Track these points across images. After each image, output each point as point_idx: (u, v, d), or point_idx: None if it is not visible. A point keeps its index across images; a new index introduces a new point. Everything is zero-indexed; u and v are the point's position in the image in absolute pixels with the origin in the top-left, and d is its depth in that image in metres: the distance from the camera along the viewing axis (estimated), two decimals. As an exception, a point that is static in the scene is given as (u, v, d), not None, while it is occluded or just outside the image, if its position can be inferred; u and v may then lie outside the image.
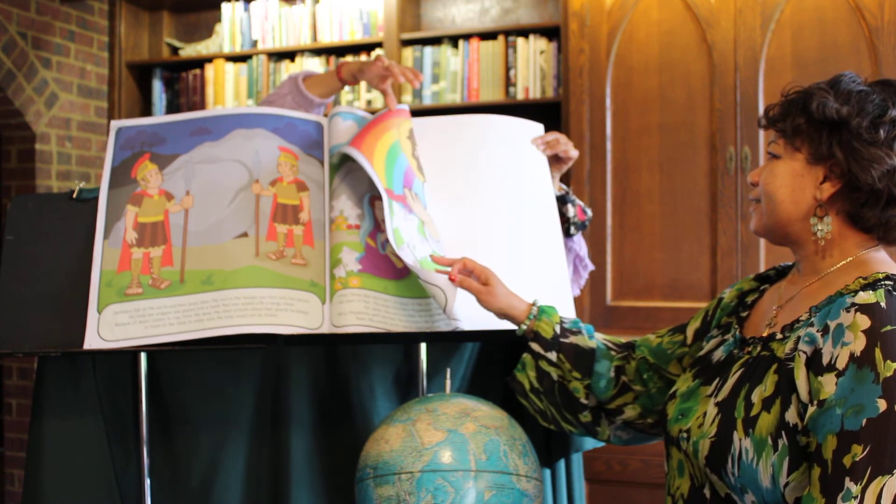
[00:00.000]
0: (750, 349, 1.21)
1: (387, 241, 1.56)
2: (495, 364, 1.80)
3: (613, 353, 1.49)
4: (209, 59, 4.04)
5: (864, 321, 1.04)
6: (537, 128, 1.82)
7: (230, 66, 4.00)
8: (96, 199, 1.61)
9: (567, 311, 1.66)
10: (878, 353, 1.02)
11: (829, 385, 1.04)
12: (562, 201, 1.82)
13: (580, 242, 1.91)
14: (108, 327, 1.50)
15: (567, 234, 1.84)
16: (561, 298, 1.67)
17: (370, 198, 1.64)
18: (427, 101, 3.69)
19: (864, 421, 1.01)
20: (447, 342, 1.72)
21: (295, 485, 1.64)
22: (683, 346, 1.42)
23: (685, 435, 1.20)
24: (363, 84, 3.76)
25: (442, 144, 1.74)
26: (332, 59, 3.84)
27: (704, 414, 1.18)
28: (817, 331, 1.09)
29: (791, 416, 1.07)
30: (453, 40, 3.68)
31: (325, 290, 1.56)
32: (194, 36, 4.29)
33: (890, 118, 1.14)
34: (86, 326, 1.50)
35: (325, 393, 1.71)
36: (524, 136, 1.78)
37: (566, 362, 1.47)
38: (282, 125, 1.70)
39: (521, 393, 1.52)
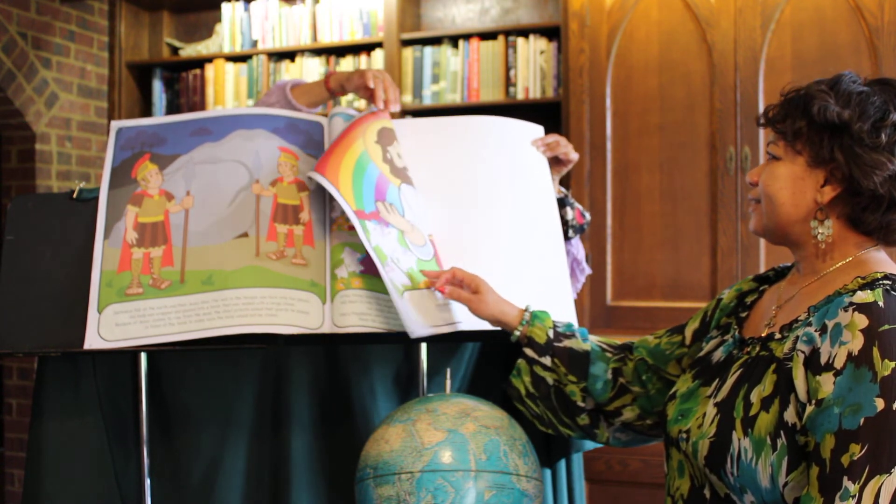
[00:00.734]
0: (749, 349, 1.21)
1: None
2: (495, 364, 1.80)
3: (609, 354, 1.49)
4: (209, 59, 4.04)
5: (862, 320, 1.04)
6: (537, 129, 1.82)
7: (230, 66, 4.00)
8: (96, 199, 1.61)
9: (568, 314, 1.66)
10: (875, 352, 1.02)
11: (827, 384, 1.04)
12: (560, 204, 1.82)
13: (578, 246, 1.90)
14: (109, 327, 1.50)
15: (565, 237, 1.83)
16: (562, 301, 1.67)
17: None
18: (427, 101, 3.69)
19: (861, 420, 1.01)
20: (447, 342, 1.72)
21: (295, 485, 1.64)
22: (682, 347, 1.42)
23: (685, 435, 1.20)
24: (363, 84, 3.76)
25: (442, 146, 1.74)
26: (332, 59, 3.84)
27: (704, 414, 1.18)
28: (815, 330, 1.09)
29: (790, 415, 1.07)
30: (453, 40, 3.68)
31: (325, 290, 1.56)
32: (194, 36, 4.29)
33: (891, 122, 1.13)
34: (86, 326, 1.50)
35: (326, 393, 1.71)
36: (524, 137, 1.78)
37: (561, 366, 1.47)
38: (282, 125, 1.70)
39: (518, 398, 1.52)
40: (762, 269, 2.85)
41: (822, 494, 1.02)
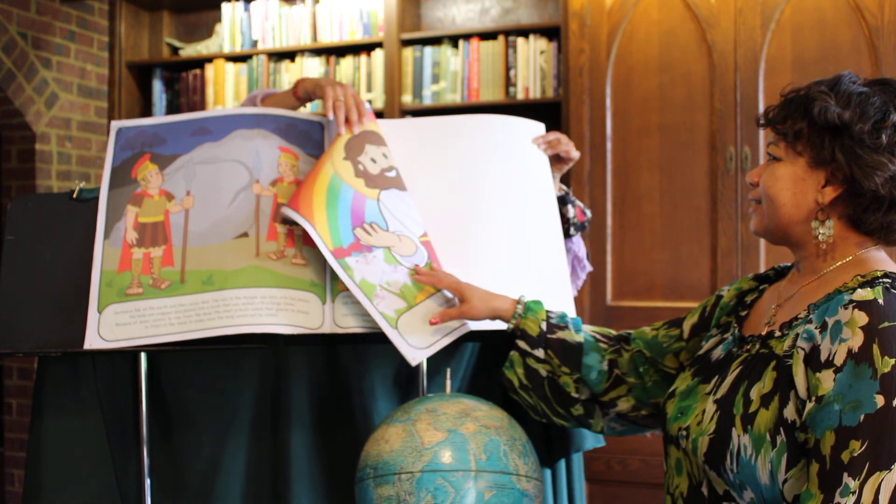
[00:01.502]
0: (749, 347, 1.21)
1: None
2: (495, 364, 1.80)
3: (604, 345, 1.49)
4: (209, 59, 4.04)
5: (862, 318, 1.05)
6: (538, 127, 1.82)
7: (230, 66, 4.00)
8: (96, 199, 1.61)
9: (568, 312, 1.66)
10: (875, 349, 1.03)
11: (827, 381, 1.05)
12: (561, 202, 1.82)
13: (579, 243, 1.91)
14: (109, 327, 1.50)
15: (566, 234, 1.84)
16: (562, 298, 1.67)
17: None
18: (427, 101, 3.69)
19: (861, 417, 1.01)
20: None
21: (295, 485, 1.64)
22: (680, 341, 1.43)
23: (684, 433, 1.20)
24: (363, 84, 3.76)
25: (443, 144, 1.74)
26: (332, 59, 3.84)
27: (703, 411, 1.19)
28: (815, 328, 1.09)
29: (789, 412, 1.08)
30: (453, 40, 3.68)
31: (325, 290, 1.56)
32: (194, 36, 4.29)
33: (892, 123, 1.13)
34: (86, 326, 1.50)
35: (326, 393, 1.71)
36: (525, 135, 1.78)
37: (555, 358, 1.47)
38: (282, 125, 1.70)
39: (511, 389, 1.53)
40: (762, 269, 2.85)
41: (821, 491, 1.02)
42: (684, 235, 3.01)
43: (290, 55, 3.93)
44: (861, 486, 1.00)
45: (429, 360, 1.69)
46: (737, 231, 2.92)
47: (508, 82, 3.58)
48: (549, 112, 3.45)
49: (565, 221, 1.82)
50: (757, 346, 1.19)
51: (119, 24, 4.07)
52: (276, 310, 1.50)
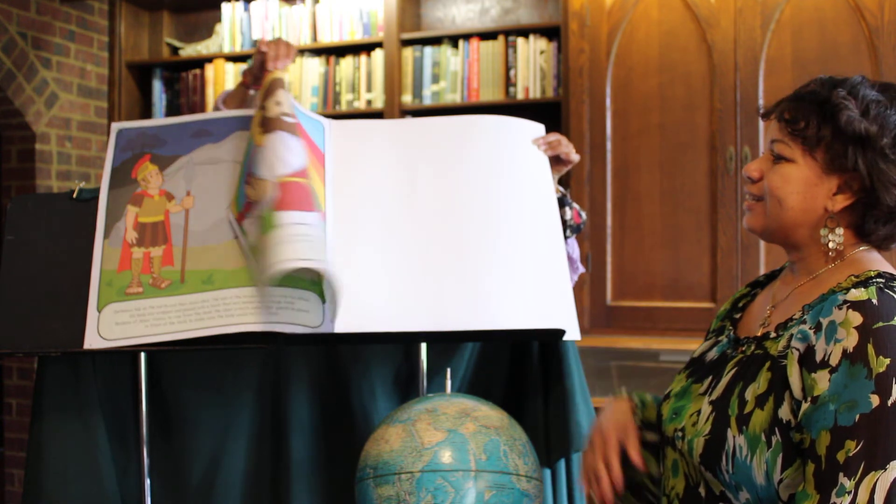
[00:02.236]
0: (744, 348, 1.21)
1: None
2: (495, 364, 1.80)
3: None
4: (209, 59, 4.04)
5: (857, 318, 1.05)
6: (538, 128, 1.81)
7: (230, 66, 4.00)
8: (96, 199, 1.61)
9: (568, 313, 1.66)
10: (870, 349, 1.03)
11: (822, 381, 1.05)
12: (559, 204, 1.82)
13: (573, 245, 1.91)
14: (109, 326, 1.50)
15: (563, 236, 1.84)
16: (562, 300, 1.67)
17: None
18: (427, 101, 3.68)
19: (857, 416, 1.01)
20: (447, 342, 1.72)
21: (295, 484, 1.64)
22: None
23: (680, 434, 1.20)
24: (363, 84, 3.76)
25: (443, 145, 1.73)
26: (332, 59, 3.84)
27: (698, 412, 1.19)
28: (810, 328, 1.09)
29: (784, 412, 1.08)
30: (453, 40, 3.68)
31: (324, 288, 1.56)
32: (194, 36, 4.29)
33: None
34: (86, 324, 1.50)
35: (326, 393, 1.71)
36: (526, 136, 1.78)
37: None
38: None
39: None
40: (762, 270, 2.85)
41: (817, 491, 1.03)
42: (684, 235, 3.01)
43: (290, 55, 3.92)
44: (857, 486, 1.00)
45: (429, 359, 1.69)
46: (737, 231, 2.92)
47: (508, 82, 3.58)
48: (549, 112, 3.45)
49: (562, 223, 1.82)
50: (752, 347, 1.19)
51: (119, 24, 4.07)
52: (276, 308, 1.50)
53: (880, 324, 1.04)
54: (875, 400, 1.01)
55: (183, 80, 4.12)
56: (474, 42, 3.62)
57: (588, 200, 3.09)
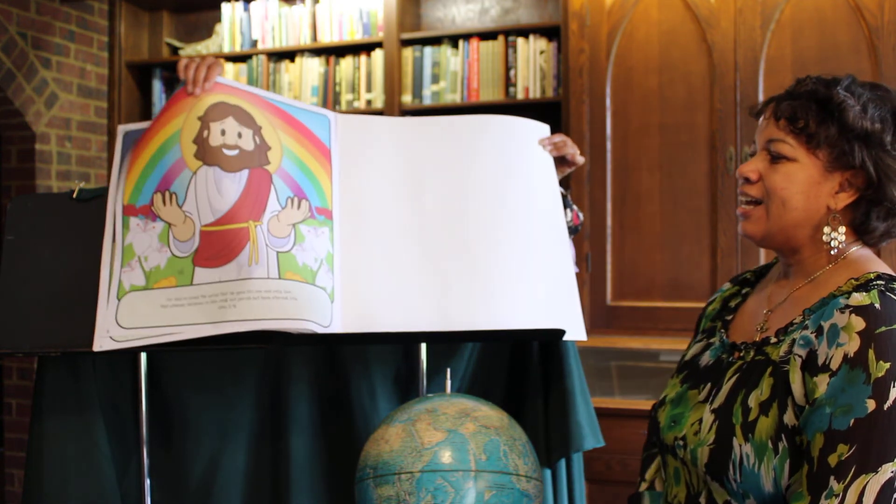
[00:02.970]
0: (742, 354, 1.20)
1: None
2: (495, 364, 1.80)
3: None
4: (209, 59, 4.04)
5: (859, 323, 1.04)
6: (544, 128, 1.81)
7: (230, 66, 4.00)
8: (96, 199, 1.61)
9: (575, 314, 1.66)
10: (871, 354, 1.02)
11: (822, 385, 1.04)
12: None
13: (570, 246, 1.91)
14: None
15: None
16: (568, 301, 1.66)
17: None
18: (427, 101, 3.69)
19: (851, 421, 1.01)
20: (447, 342, 1.72)
21: (295, 484, 1.64)
22: None
23: (681, 443, 1.19)
24: (363, 84, 3.77)
25: (448, 144, 1.73)
26: (332, 59, 3.84)
27: (700, 421, 1.17)
28: (812, 333, 1.09)
29: (789, 418, 1.07)
30: (453, 40, 3.68)
31: (333, 288, 1.56)
32: (194, 36, 4.29)
33: None
34: (85, 326, 1.50)
35: (326, 393, 1.71)
36: (532, 136, 1.77)
37: None
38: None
39: None
40: (762, 269, 2.85)
41: (809, 492, 1.03)
42: (684, 235, 3.01)
43: (289, 55, 3.92)
44: (846, 490, 1.00)
45: (429, 359, 1.69)
46: (737, 231, 2.92)
47: (508, 82, 3.58)
48: (548, 112, 3.45)
49: None
50: (752, 354, 1.17)
51: (119, 24, 4.07)
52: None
53: (883, 328, 1.04)
54: (871, 405, 1.01)
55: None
56: (474, 42, 3.62)
57: (588, 200, 3.09)
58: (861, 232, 1.17)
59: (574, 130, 3.11)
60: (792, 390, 1.08)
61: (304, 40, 3.89)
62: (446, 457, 1.27)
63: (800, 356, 1.08)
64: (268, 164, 1.58)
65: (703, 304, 1.45)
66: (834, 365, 1.04)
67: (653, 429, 1.29)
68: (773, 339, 1.16)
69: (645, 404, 2.78)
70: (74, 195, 1.62)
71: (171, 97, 1.63)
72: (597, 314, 3.09)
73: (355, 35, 3.81)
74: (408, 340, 1.67)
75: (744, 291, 1.33)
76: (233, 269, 1.50)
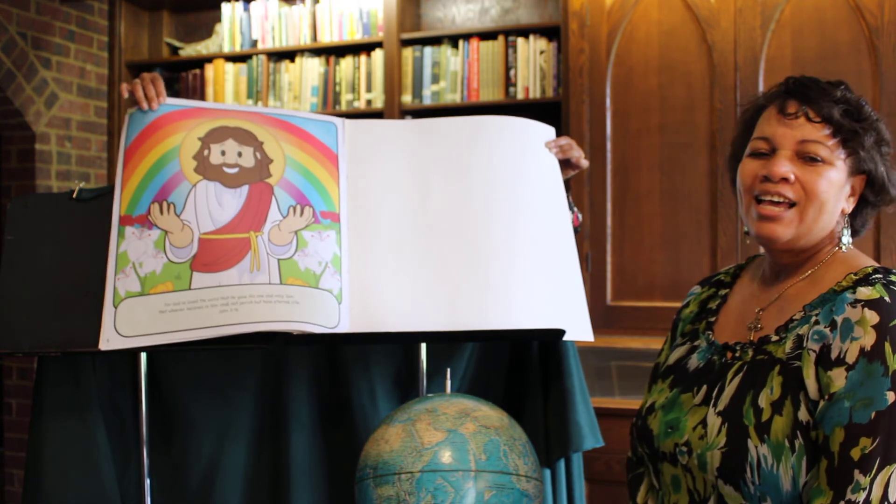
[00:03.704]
0: (738, 354, 1.19)
1: None
2: (495, 364, 1.80)
3: None
4: (209, 59, 4.04)
5: (873, 317, 1.06)
6: (550, 130, 1.81)
7: (230, 66, 4.00)
8: (96, 199, 1.61)
9: (582, 316, 1.66)
10: (887, 346, 1.04)
11: (839, 379, 1.05)
12: None
13: None
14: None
15: None
16: (575, 302, 1.66)
17: None
18: (427, 101, 3.68)
19: (872, 414, 1.02)
20: (447, 342, 1.72)
21: (295, 484, 1.64)
22: None
23: (684, 448, 1.17)
24: (363, 84, 3.76)
25: (457, 145, 1.73)
26: (332, 59, 3.84)
27: (703, 424, 1.16)
28: (825, 327, 1.09)
29: (803, 414, 1.08)
30: (453, 40, 3.67)
31: (341, 290, 1.56)
32: (194, 36, 4.29)
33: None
34: (85, 326, 1.50)
35: (326, 393, 1.71)
36: (538, 138, 1.77)
37: None
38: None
39: None
40: (762, 269, 2.85)
41: (830, 487, 1.03)
42: (684, 235, 3.01)
43: (289, 55, 3.92)
44: (871, 482, 1.01)
45: (429, 359, 1.69)
46: (737, 231, 2.91)
47: (508, 82, 3.58)
48: (549, 112, 3.44)
49: None
50: (750, 353, 1.17)
51: (119, 24, 4.07)
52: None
53: None
54: (891, 397, 1.03)
55: (183, 80, 4.12)
56: (474, 42, 3.62)
57: (588, 200, 3.09)
58: (854, 230, 1.22)
59: (574, 130, 3.11)
60: (805, 386, 1.08)
61: (304, 40, 3.89)
62: (446, 457, 1.28)
63: (813, 351, 1.09)
64: (269, 178, 1.62)
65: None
66: (850, 359, 1.05)
67: (643, 439, 1.26)
68: (774, 337, 1.16)
69: (645, 404, 2.78)
70: (74, 195, 1.62)
71: (162, 116, 1.64)
72: (597, 314, 3.09)
73: (355, 35, 3.81)
74: (407, 340, 1.67)
75: (721, 293, 1.33)
76: (233, 275, 1.52)
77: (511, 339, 1.75)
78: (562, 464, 1.75)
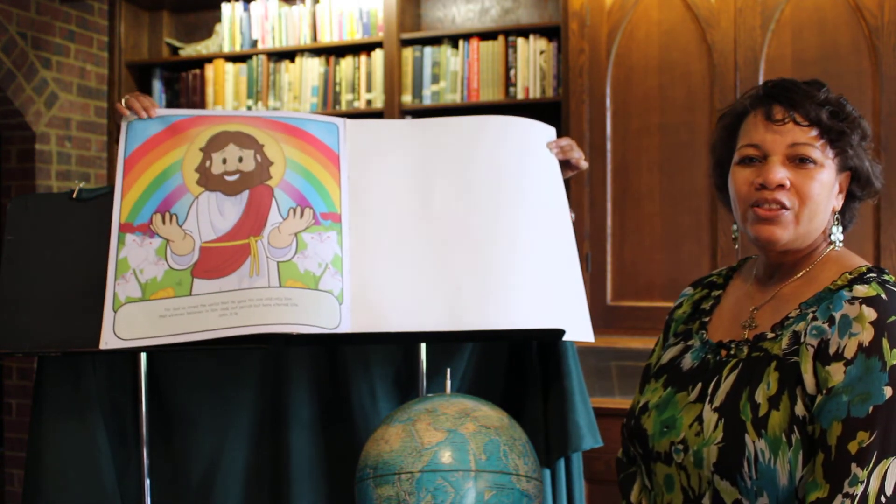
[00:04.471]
0: (733, 352, 1.20)
1: None
2: (495, 364, 1.80)
3: None
4: (209, 59, 4.04)
5: (871, 313, 1.08)
6: (550, 131, 1.81)
7: (230, 66, 4.00)
8: (96, 199, 1.61)
9: (582, 316, 1.66)
10: (885, 342, 1.06)
11: (837, 374, 1.07)
12: None
13: None
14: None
15: None
16: (576, 302, 1.66)
17: None
18: (427, 102, 3.68)
19: (870, 408, 1.04)
20: (447, 342, 1.72)
21: (295, 485, 1.64)
22: None
23: (680, 446, 1.17)
24: (363, 84, 3.77)
25: (458, 144, 1.73)
26: (332, 59, 3.84)
27: (699, 421, 1.16)
28: (823, 323, 1.11)
29: (800, 409, 1.09)
30: (453, 40, 3.67)
31: (342, 290, 1.56)
32: (194, 36, 4.29)
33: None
34: (86, 324, 1.50)
35: (326, 393, 1.71)
36: (539, 138, 1.77)
37: None
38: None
39: None
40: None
41: (827, 481, 1.04)
42: (684, 235, 3.01)
43: (289, 55, 3.92)
44: (869, 475, 1.02)
45: (429, 359, 1.69)
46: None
47: (508, 82, 3.58)
48: (549, 112, 3.44)
49: None
50: (746, 350, 1.18)
51: (119, 24, 4.07)
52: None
53: (893, 318, 1.07)
54: (888, 392, 1.04)
55: (183, 80, 4.12)
56: (474, 42, 3.62)
57: (588, 200, 3.09)
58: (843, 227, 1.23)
59: (574, 130, 3.11)
60: (803, 381, 1.09)
61: (304, 40, 3.89)
62: (446, 457, 1.28)
63: (811, 346, 1.10)
64: (269, 180, 1.63)
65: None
66: (848, 354, 1.07)
67: (636, 439, 1.26)
68: (770, 335, 1.17)
69: (645, 404, 2.78)
70: (74, 195, 1.62)
71: (165, 129, 1.66)
72: (597, 314, 3.08)
73: (355, 35, 3.81)
74: (407, 340, 1.67)
75: (714, 294, 1.35)
76: (233, 281, 1.53)
77: (511, 339, 1.76)
78: (562, 464, 1.75)
